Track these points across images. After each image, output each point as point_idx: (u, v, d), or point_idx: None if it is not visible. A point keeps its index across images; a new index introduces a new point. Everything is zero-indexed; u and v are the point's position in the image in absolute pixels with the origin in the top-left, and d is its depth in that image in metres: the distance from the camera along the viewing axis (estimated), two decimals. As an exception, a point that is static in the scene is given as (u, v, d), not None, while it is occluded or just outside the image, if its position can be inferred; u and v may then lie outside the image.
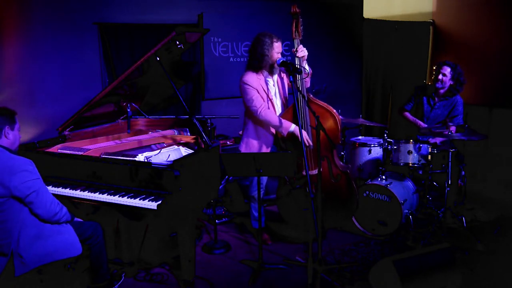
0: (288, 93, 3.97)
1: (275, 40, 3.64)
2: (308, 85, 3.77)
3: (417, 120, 4.53)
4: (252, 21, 5.46)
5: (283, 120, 3.66)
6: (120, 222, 3.47)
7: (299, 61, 3.63)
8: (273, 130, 3.78)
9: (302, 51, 3.61)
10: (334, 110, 3.68)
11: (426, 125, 4.41)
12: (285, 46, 5.63)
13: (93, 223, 2.96)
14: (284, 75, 3.89)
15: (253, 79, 3.68)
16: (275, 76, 3.83)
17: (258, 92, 3.68)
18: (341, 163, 3.85)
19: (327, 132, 3.48)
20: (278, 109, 3.84)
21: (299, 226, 3.87)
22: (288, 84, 3.90)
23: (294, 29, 3.63)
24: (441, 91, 4.42)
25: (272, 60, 3.67)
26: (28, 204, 2.54)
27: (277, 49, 3.65)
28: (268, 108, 3.74)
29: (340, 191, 3.75)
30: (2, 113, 2.62)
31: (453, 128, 4.23)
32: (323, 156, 3.70)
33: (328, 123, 3.63)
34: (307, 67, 3.70)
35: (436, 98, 4.46)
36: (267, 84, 3.75)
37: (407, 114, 4.64)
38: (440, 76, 4.33)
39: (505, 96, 5.16)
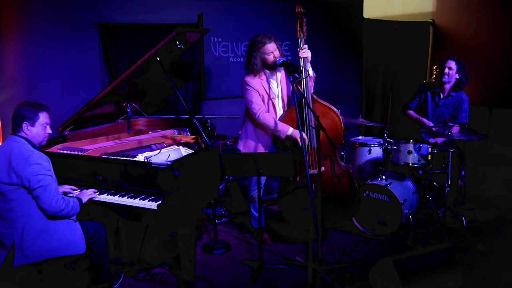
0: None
1: (261, 45, 3.61)
2: (312, 89, 3.75)
3: (421, 118, 4.46)
4: (252, 21, 5.45)
5: (280, 124, 3.65)
6: (120, 222, 3.48)
7: (303, 61, 3.61)
8: None
9: (305, 52, 3.59)
10: (337, 110, 3.69)
11: (432, 123, 4.36)
12: (285, 46, 5.63)
13: (96, 223, 2.96)
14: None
15: (254, 80, 3.68)
16: (279, 76, 3.81)
17: (259, 93, 3.68)
18: (343, 162, 3.85)
19: (331, 131, 3.46)
20: (279, 110, 3.83)
21: (300, 226, 3.87)
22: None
23: (298, 29, 3.61)
24: (447, 86, 4.35)
25: (266, 62, 3.65)
26: (35, 198, 2.59)
27: (267, 51, 3.62)
28: (268, 109, 3.74)
29: (343, 190, 3.75)
30: (26, 108, 2.67)
31: (455, 129, 4.17)
32: (326, 155, 3.70)
33: (333, 123, 3.62)
34: (310, 70, 3.67)
35: (441, 95, 4.41)
36: (269, 84, 3.74)
37: (411, 112, 4.57)
38: (446, 70, 4.27)
39: (505, 96, 5.16)
